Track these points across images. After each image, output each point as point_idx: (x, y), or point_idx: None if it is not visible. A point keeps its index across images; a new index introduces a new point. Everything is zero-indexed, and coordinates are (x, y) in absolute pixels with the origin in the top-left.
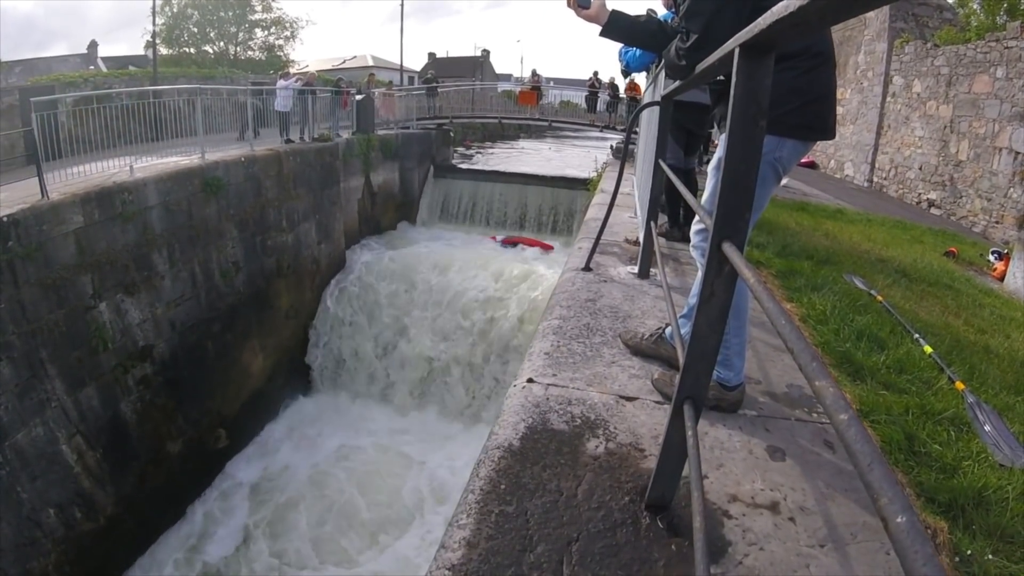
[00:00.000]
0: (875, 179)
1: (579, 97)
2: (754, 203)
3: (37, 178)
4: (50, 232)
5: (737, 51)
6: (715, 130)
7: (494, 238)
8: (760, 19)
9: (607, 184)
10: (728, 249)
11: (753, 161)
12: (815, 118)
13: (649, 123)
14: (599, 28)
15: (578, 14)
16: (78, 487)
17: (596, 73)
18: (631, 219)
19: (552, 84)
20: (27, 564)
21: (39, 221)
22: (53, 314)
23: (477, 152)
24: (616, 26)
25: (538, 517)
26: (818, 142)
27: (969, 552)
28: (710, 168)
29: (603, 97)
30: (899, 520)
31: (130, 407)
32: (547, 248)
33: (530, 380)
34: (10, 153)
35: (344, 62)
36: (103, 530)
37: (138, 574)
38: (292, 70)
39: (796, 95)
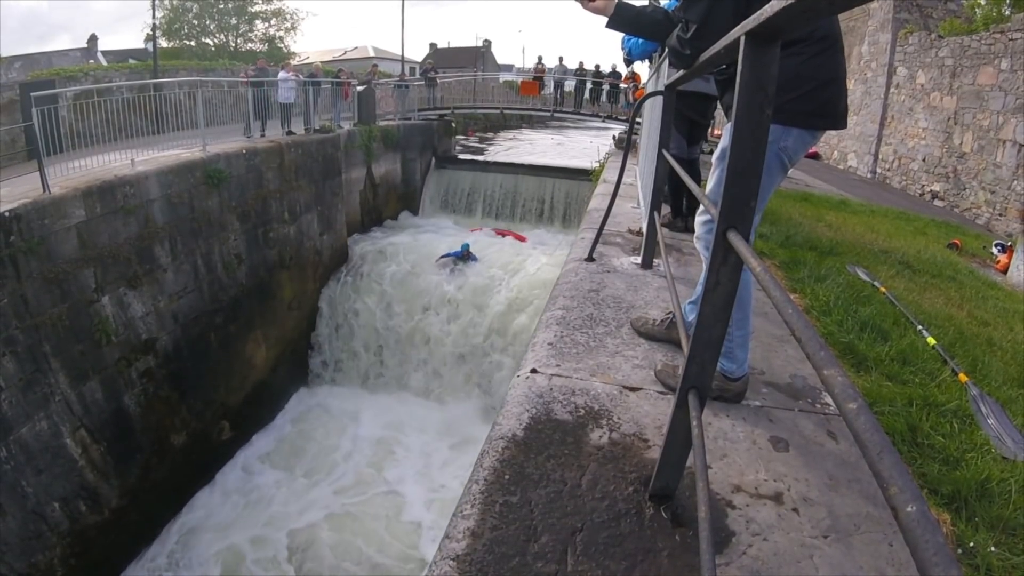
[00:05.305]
0: (879, 170)
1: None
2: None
3: (38, 172)
4: (52, 226)
5: (743, 39)
6: (715, 119)
7: (477, 230)
8: (767, 6)
9: (610, 174)
10: (733, 238)
11: (759, 150)
12: (822, 105)
13: (652, 113)
14: (605, 19)
15: (584, 6)
16: (83, 480)
17: (598, 66)
18: (634, 209)
19: (555, 74)
20: (33, 558)
21: (41, 215)
22: (56, 308)
23: (479, 143)
24: (622, 17)
25: (542, 507)
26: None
27: (972, 544)
28: (715, 158)
29: (589, 84)
30: (909, 509)
31: (134, 400)
32: (521, 239)
33: (534, 370)
34: (11, 148)
35: (345, 53)
36: (108, 523)
37: (143, 566)
38: (293, 62)
39: (801, 82)
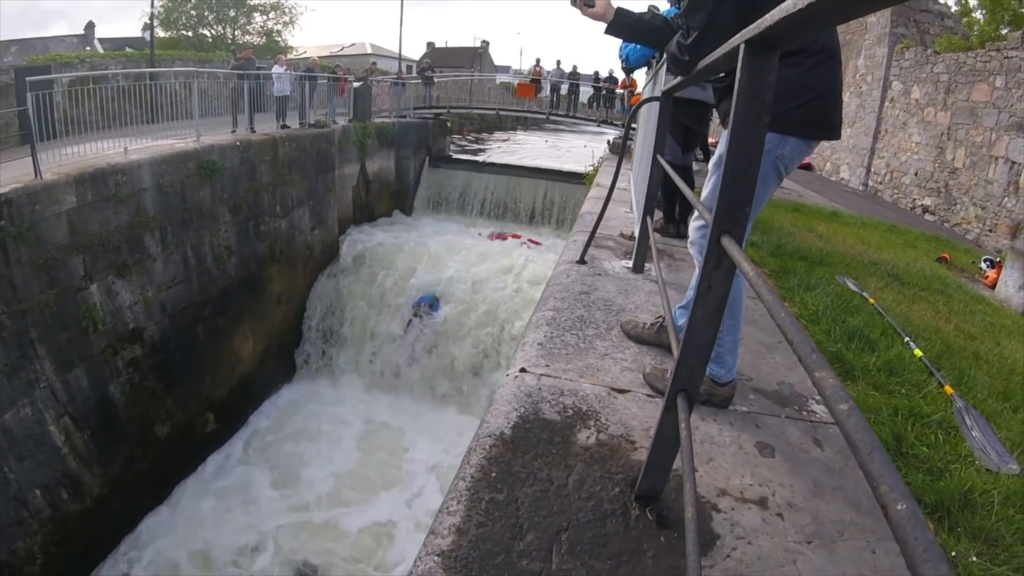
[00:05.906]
0: (870, 183)
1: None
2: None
3: (31, 157)
4: (43, 212)
5: (742, 47)
6: (710, 127)
7: (479, 233)
8: (768, 15)
9: (603, 178)
10: (727, 243)
11: (755, 157)
12: (819, 116)
13: (647, 119)
14: (604, 26)
15: (583, 12)
16: (65, 468)
17: (597, 72)
18: (627, 214)
19: (551, 77)
20: (13, 545)
21: (32, 201)
22: (44, 294)
23: (474, 143)
24: (621, 23)
25: (528, 506)
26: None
27: (954, 553)
28: (711, 164)
29: (590, 90)
30: (899, 507)
31: (119, 389)
32: (534, 243)
33: (523, 370)
34: (4, 132)
35: (343, 49)
36: (89, 511)
37: (123, 555)
38: (289, 56)
39: (800, 92)
